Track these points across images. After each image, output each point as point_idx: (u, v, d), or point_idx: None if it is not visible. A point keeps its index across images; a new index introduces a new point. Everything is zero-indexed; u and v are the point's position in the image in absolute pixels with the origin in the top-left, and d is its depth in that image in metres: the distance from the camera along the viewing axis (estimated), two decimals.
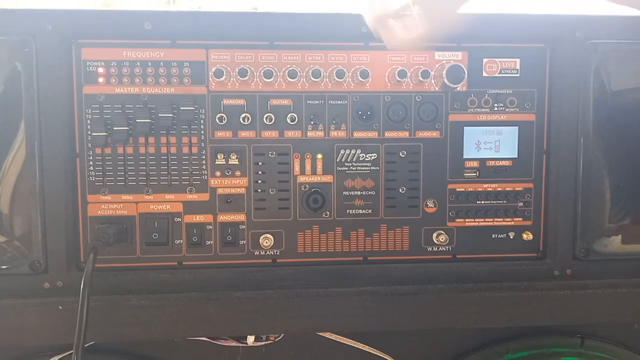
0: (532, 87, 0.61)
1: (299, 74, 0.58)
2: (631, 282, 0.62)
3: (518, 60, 0.61)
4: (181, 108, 0.58)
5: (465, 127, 0.61)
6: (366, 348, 0.65)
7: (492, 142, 0.62)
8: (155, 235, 0.59)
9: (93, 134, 0.57)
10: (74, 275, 0.58)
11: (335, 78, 0.58)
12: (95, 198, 0.59)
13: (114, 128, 0.57)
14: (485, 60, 0.61)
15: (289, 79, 0.58)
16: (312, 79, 0.58)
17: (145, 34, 0.57)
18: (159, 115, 0.58)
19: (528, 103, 0.61)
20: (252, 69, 0.58)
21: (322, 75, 0.58)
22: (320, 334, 0.64)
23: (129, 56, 0.57)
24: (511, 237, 0.63)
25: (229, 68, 0.58)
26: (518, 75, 0.61)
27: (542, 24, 0.60)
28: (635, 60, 0.61)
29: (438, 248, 0.63)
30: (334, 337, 0.64)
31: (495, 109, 0.61)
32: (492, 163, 0.62)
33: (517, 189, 0.62)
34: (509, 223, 0.63)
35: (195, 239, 0.60)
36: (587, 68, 0.61)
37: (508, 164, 0.62)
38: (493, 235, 0.63)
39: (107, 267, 0.59)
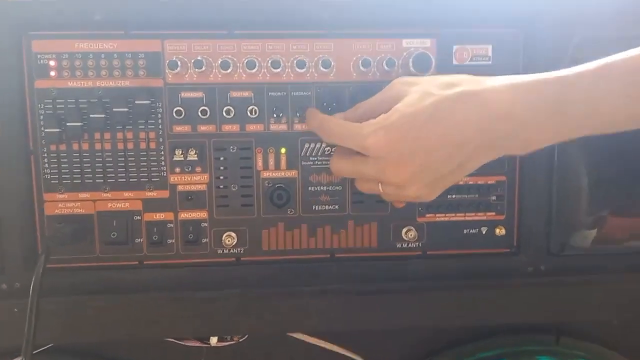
0: (506, 74, 0.58)
1: (257, 64, 0.56)
2: (607, 278, 0.60)
3: (490, 47, 0.58)
4: (136, 102, 0.55)
5: None
6: (335, 348, 0.63)
7: None
8: (114, 234, 0.58)
9: (46, 130, 0.55)
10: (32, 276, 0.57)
11: (297, 69, 0.56)
12: (52, 197, 0.57)
13: (68, 124, 0.55)
14: (455, 47, 0.58)
15: (247, 70, 0.56)
16: (273, 69, 0.56)
17: (96, 25, 0.54)
18: (114, 109, 0.55)
19: None
20: (210, 59, 0.56)
21: (282, 66, 0.56)
22: (289, 334, 0.63)
23: (81, 48, 0.55)
24: (484, 233, 0.61)
25: (185, 59, 0.56)
26: (490, 62, 0.58)
27: (515, 7, 0.57)
28: (615, 47, 0.57)
29: (408, 244, 0.61)
30: (303, 337, 0.62)
31: None
32: None
33: (489, 182, 0.60)
34: (482, 218, 0.61)
35: (155, 237, 0.58)
36: (563, 55, 0.57)
37: None
38: (465, 231, 0.61)
39: (65, 267, 0.58)
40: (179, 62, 0.55)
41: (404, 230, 0.60)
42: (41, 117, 0.55)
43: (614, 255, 0.61)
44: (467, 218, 0.61)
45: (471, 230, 0.61)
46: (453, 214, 0.60)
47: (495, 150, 0.48)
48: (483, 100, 0.46)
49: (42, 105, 0.55)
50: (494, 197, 0.60)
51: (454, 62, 0.58)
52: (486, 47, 0.58)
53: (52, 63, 0.55)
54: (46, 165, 0.56)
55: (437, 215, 0.60)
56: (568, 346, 0.64)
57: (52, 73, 0.55)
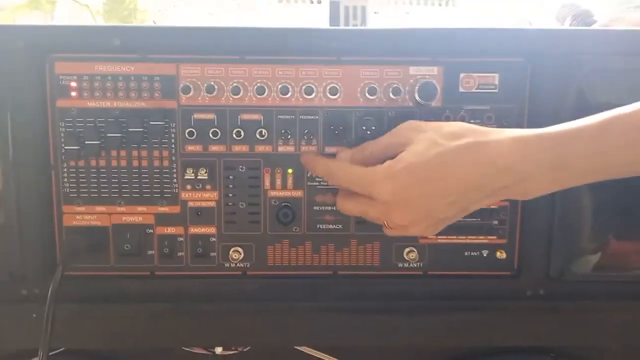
0: (511, 103, 0.59)
1: (267, 90, 0.58)
2: (607, 305, 0.61)
3: (497, 76, 0.59)
4: (151, 122, 0.58)
5: None
6: None
7: None
8: (127, 246, 0.61)
9: (66, 147, 0.58)
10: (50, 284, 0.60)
11: (305, 95, 0.58)
12: (70, 209, 0.60)
13: (86, 142, 0.58)
14: (462, 75, 0.59)
15: (257, 95, 0.58)
16: (281, 95, 0.58)
17: (115, 49, 0.57)
18: (130, 129, 0.58)
19: (506, 120, 0.59)
20: (222, 83, 0.58)
21: (291, 91, 0.58)
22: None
23: (100, 70, 0.58)
24: (485, 255, 0.62)
25: (198, 82, 0.58)
26: (496, 90, 0.59)
27: (522, 38, 0.58)
28: (620, 77, 0.58)
29: (409, 264, 0.62)
30: (305, 349, 0.65)
31: None
32: None
33: (492, 206, 0.61)
34: (483, 241, 0.62)
35: (166, 250, 0.61)
36: (569, 85, 0.58)
37: None
38: (466, 253, 0.62)
39: (82, 276, 0.61)
40: (191, 86, 0.57)
41: (406, 250, 0.62)
42: (62, 134, 0.58)
43: (615, 282, 0.62)
44: (468, 241, 0.62)
45: (472, 253, 0.62)
46: (455, 237, 0.62)
47: (497, 196, 0.50)
48: (487, 153, 0.47)
49: (63, 123, 0.58)
50: (496, 222, 0.62)
51: (461, 89, 0.59)
52: (493, 75, 0.59)
53: (73, 84, 0.58)
54: (65, 179, 0.59)
55: (438, 237, 0.62)
56: None
57: (73, 93, 0.58)
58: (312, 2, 1.25)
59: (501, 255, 0.62)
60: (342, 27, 0.57)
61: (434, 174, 0.48)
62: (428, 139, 0.49)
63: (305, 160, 0.59)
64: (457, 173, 0.48)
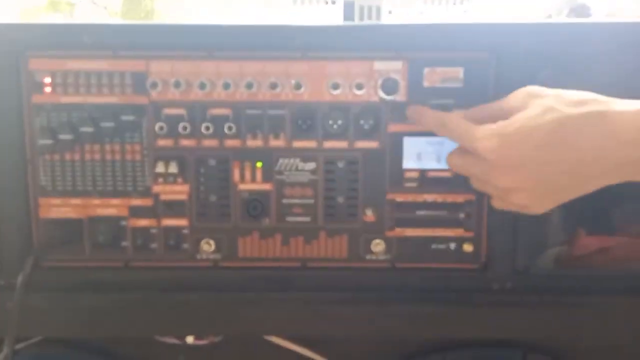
0: (476, 97, 0.59)
1: (232, 85, 0.59)
2: (573, 299, 0.61)
3: (461, 70, 0.60)
4: (123, 117, 0.60)
5: (404, 138, 0.61)
6: (307, 352, 0.67)
7: (433, 153, 0.61)
8: (102, 238, 0.62)
9: (40, 142, 0.60)
10: (32, 274, 0.62)
11: (271, 90, 0.59)
12: (46, 201, 0.62)
13: (60, 136, 0.60)
14: (426, 69, 0.60)
15: (224, 90, 0.59)
16: (248, 90, 0.59)
17: (86, 46, 0.59)
18: (102, 124, 0.60)
19: None
20: (191, 79, 0.60)
21: (255, 87, 0.59)
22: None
23: (73, 67, 0.60)
24: (452, 248, 0.63)
25: (167, 79, 0.59)
26: (461, 85, 0.60)
27: (487, 32, 0.59)
28: (584, 70, 0.58)
29: (377, 257, 0.63)
30: (275, 339, 0.66)
31: None
32: (433, 174, 0.61)
33: (458, 200, 0.62)
34: (450, 234, 0.63)
35: (140, 242, 0.63)
36: (534, 79, 0.58)
37: (450, 174, 0.61)
38: (433, 246, 0.63)
39: (58, 266, 0.63)
40: (159, 82, 0.59)
41: (374, 243, 0.63)
42: (37, 129, 0.60)
43: (581, 276, 0.62)
44: (436, 233, 0.63)
45: (439, 246, 0.63)
46: (422, 229, 0.63)
47: (615, 175, 0.47)
48: (610, 123, 0.44)
49: (38, 118, 0.60)
50: (463, 215, 0.62)
51: (425, 84, 0.60)
52: (457, 70, 0.60)
53: (46, 80, 0.60)
54: (41, 173, 0.61)
55: (406, 230, 0.63)
56: None
57: (47, 89, 0.60)
58: (326, 3, 1.26)
59: (468, 248, 0.63)
60: (306, 24, 0.58)
61: (549, 139, 0.45)
62: (546, 104, 0.46)
63: (412, 112, 0.58)
64: (574, 142, 0.45)
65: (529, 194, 0.48)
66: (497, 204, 0.53)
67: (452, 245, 0.63)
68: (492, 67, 0.59)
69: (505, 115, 0.49)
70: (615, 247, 0.62)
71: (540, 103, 0.47)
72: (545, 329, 0.62)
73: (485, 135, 0.48)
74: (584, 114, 0.45)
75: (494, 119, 0.49)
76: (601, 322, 0.62)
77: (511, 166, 0.47)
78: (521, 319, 0.63)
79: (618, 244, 0.62)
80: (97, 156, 0.61)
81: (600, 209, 0.61)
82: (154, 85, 0.59)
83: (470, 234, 0.63)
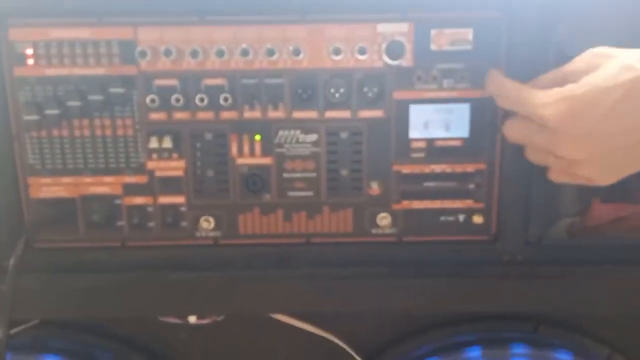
0: (487, 61, 0.56)
1: (227, 53, 0.55)
2: (586, 270, 0.59)
3: (471, 31, 0.56)
4: (111, 90, 0.56)
5: (411, 105, 0.57)
6: (311, 328, 0.65)
7: (441, 121, 0.58)
8: (96, 217, 0.60)
9: (26, 117, 0.57)
10: (24, 255, 0.60)
11: (268, 56, 0.55)
12: (36, 180, 0.59)
13: (46, 112, 0.57)
14: (433, 31, 0.56)
15: (218, 58, 0.55)
16: (243, 57, 0.55)
17: (69, 12, 0.55)
18: (90, 97, 0.56)
19: (482, 79, 0.56)
20: (183, 47, 0.56)
21: (252, 54, 0.55)
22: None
23: (56, 36, 0.56)
24: (461, 220, 0.60)
25: (158, 46, 0.56)
26: (471, 47, 0.56)
27: None
28: (601, 32, 0.54)
29: (383, 230, 0.61)
30: (279, 317, 0.64)
31: (445, 85, 0.57)
32: (441, 143, 0.58)
33: (468, 170, 0.59)
34: (459, 205, 0.60)
35: (136, 220, 0.60)
36: (549, 40, 0.55)
37: (459, 143, 0.58)
38: (442, 218, 0.60)
39: (51, 247, 0.60)
40: (148, 51, 0.55)
41: (379, 216, 0.60)
42: (21, 104, 0.57)
43: (593, 247, 0.60)
44: (444, 205, 0.60)
45: (448, 218, 0.60)
46: (430, 201, 0.60)
47: None
48: None
49: (22, 92, 0.57)
50: (473, 185, 0.60)
51: (432, 47, 0.56)
52: (466, 31, 0.56)
53: (29, 51, 0.56)
54: (29, 150, 0.58)
55: (413, 202, 0.60)
56: (546, 335, 0.64)
57: (30, 61, 0.56)
58: None
59: (478, 219, 0.60)
60: None
61: (624, 102, 0.40)
62: (621, 63, 0.42)
63: (489, 76, 0.53)
64: None
65: (597, 166, 0.44)
66: (557, 176, 0.49)
67: (462, 217, 0.60)
68: (504, 27, 0.55)
69: (573, 79, 0.44)
70: (631, 217, 0.59)
71: (616, 62, 0.42)
72: (558, 301, 0.60)
73: (552, 99, 0.43)
74: None
75: (559, 85, 0.45)
76: (614, 293, 0.60)
77: (580, 135, 0.43)
78: (533, 291, 0.61)
79: (634, 212, 0.60)
80: (87, 132, 0.58)
81: None
82: (143, 54, 0.55)
83: (480, 205, 0.60)
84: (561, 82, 0.45)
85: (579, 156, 0.44)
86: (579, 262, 0.59)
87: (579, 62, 0.47)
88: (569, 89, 0.43)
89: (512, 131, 0.50)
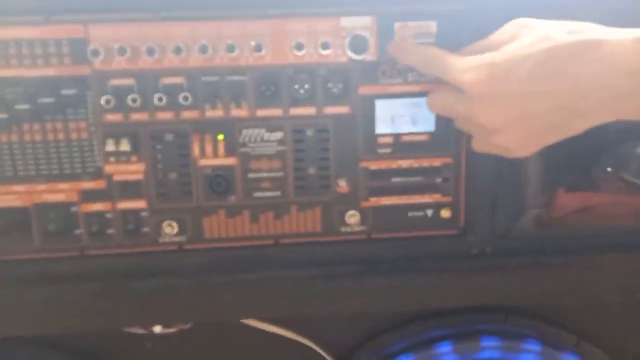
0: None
1: (185, 50, 0.53)
2: (553, 261, 0.60)
3: (434, 24, 0.55)
4: (63, 91, 0.53)
5: (376, 101, 0.57)
6: (283, 332, 0.64)
7: (407, 116, 0.57)
8: (52, 226, 0.57)
9: None
10: None
11: (228, 53, 0.54)
12: None
13: None
14: (397, 25, 0.55)
15: (175, 55, 0.53)
16: (202, 54, 0.53)
17: (12, 10, 0.51)
18: (40, 100, 0.53)
19: None
20: (138, 44, 0.53)
21: (211, 51, 0.53)
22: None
23: (2, 35, 0.52)
24: (429, 215, 0.60)
25: (111, 45, 0.53)
26: (433, 40, 0.55)
27: None
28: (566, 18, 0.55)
29: (352, 228, 0.60)
30: (249, 322, 0.63)
31: (410, 79, 0.56)
32: (407, 138, 0.58)
33: (435, 164, 0.59)
34: (427, 200, 0.60)
35: (95, 228, 0.57)
36: None
37: (425, 138, 0.58)
38: (410, 214, 0.60)
39: (7, 260, 0.57)
40: (101, 50, 0.52)
41: (348, 214, 0.59)
42: None
43: (560, 238, 0.60)
44: (412, 201, 0.60)
45: (416, 213, 0.60)
46: (398, 197, 0.59)
47: (610, 111, 0.43)
48: (607, 52, 0.41)
49: None
50: (440, 179, 0.59)
51: (396, 40, 0.55)
52: (430, 23, 0.55)
53: None
54: None
55: (381, 199, 0.59)
56: (515, 326, 0.64)
57: None
58: None
59: (446, 213, 0.60)
60: None
61: (541, 69, 0.42)
62: (539, 32, 0.44)
63: (394, 48, 0.53)
64: (568, 71, 0.42)
65: (514, 134, 0.46)
66: (477, 145, 0.51)
67: (430, 212, 0.60)
68: (468, 20, 0.55)
69: (496, 48, 0.46)
70: (596, 206, 0.60)
71: (533, 32, 0.44)
72: (526, 292, 0.61)
73: (471, 66, 0.45)
74: (581, 42, 0.42)
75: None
76: (581, 283, 0.61)
77: (497, 101, 0.44)
78: (501, 284, 0.61)
79: (598, 202, 0.61)
80: (38, 136, 0.55)
81: (580, 167, 0.59)
82: (96, 53, 0.52)
83: (448, 199, 0.60)
84: (485, 51, 0.47)
85: (496, 123, 0.45)
86: (545, 253, 0.60)
87: (501, 33, 0.48)
88: (489, 56, 0.45)
89: (434, 101, 0.52)
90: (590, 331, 0.68)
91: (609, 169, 0.60)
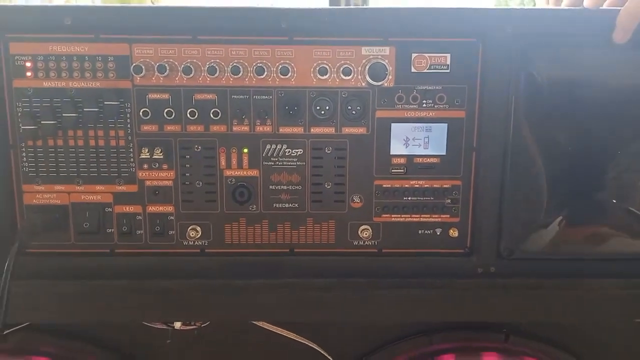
0: (463, 83, 0.60)
1: (218, 70, 0.58)
2: (555, 282, 0.62)
3: (449, 56, 0.59)
4: (106, 102, 0.59)
5: (392, 124, 0.61)
6: (294, 336, 0.67)
7: (420, 139, 0.61)
8: (86, 224, 0.62)
9: (23, 127, 0.59)
10: (16, 260, 0.61)
11: (257, 75, 0.58)
12: (30, 188, 0.61)
13: (42, 122, 0.59)
14: (414, 55, 0.59)
15: (209, 75, 0.58)
16: (233, 75, 0.58)
17: (68, 29, 0.57)
18: (85, 109, 0.59)
19: (458, 99, 0.60)
20: (176, 63, 0.59)
21: (242, 72, 0.58)
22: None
23: (55, 50, 0.58)
24: (438, 234, 0.63)
25: (151, 63, 0.58)
26: (448, 70, 0.59)
27: (474, 18, 0.58)
28: (567, 54, 0.58)
29: (364, 242, 0.63)
30: (263, 324, 0.66)
31: (424, 105, 0.60)
32: (419, 160, 0.62)
33: (444, 186, 0.62)
34: (436, 219, 0.63)
35: (125, 228, 0.62)
36: (520, 64, 0.58)
37: (436, 161, 0.62)
38: (419, 231, 0.63)
39: (44, 253, 0.62)
40: (143, 67, 0.58)
41: (360, 228, 0.63)
42: (19, 114, 0.59)
43: (563, 260, 0.63)
44: (422, 219, 0.63)
45: (426, 231, 0.63)
46: (408, 215, 0.63)
47: None
48: None
49: (20, 103, 0.59)
50: (449, 201, 0.63)
51: (413, 69, 0.59)
52: (445, 55, 0.59)
53: (28, 64, 0.58)
54: (24, 159, 0.60)
55: (392, 215, 0.63)
56: (517, 344, 0.66)
57: (29, 74, 0.58)
58: None
59: (454, 233, 0.63)
60: (293, 6, 0.57)
61: None
62: None
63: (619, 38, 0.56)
64: None
65: None
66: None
67: (439, 231, 0.63)
68: (479, 52, 0.59)
69: None
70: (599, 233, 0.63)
71: None
72: (528, 312, 0.63)
73: None
74: None
75: None
76: (582, 304, 0.63)
77: None
78: (504, 302, 0.63)
79: (602, 232, 0.63)
80: (81, 142, 0.60)
81: (584, 193, 0.61)
82: (138, 69, 0.58)
83: (455, 220, 0.63)
84: None
85: None
86: (548, 274, 0.63)
87: None
88: None
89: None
90: (591, 353, 0.70)
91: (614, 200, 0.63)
